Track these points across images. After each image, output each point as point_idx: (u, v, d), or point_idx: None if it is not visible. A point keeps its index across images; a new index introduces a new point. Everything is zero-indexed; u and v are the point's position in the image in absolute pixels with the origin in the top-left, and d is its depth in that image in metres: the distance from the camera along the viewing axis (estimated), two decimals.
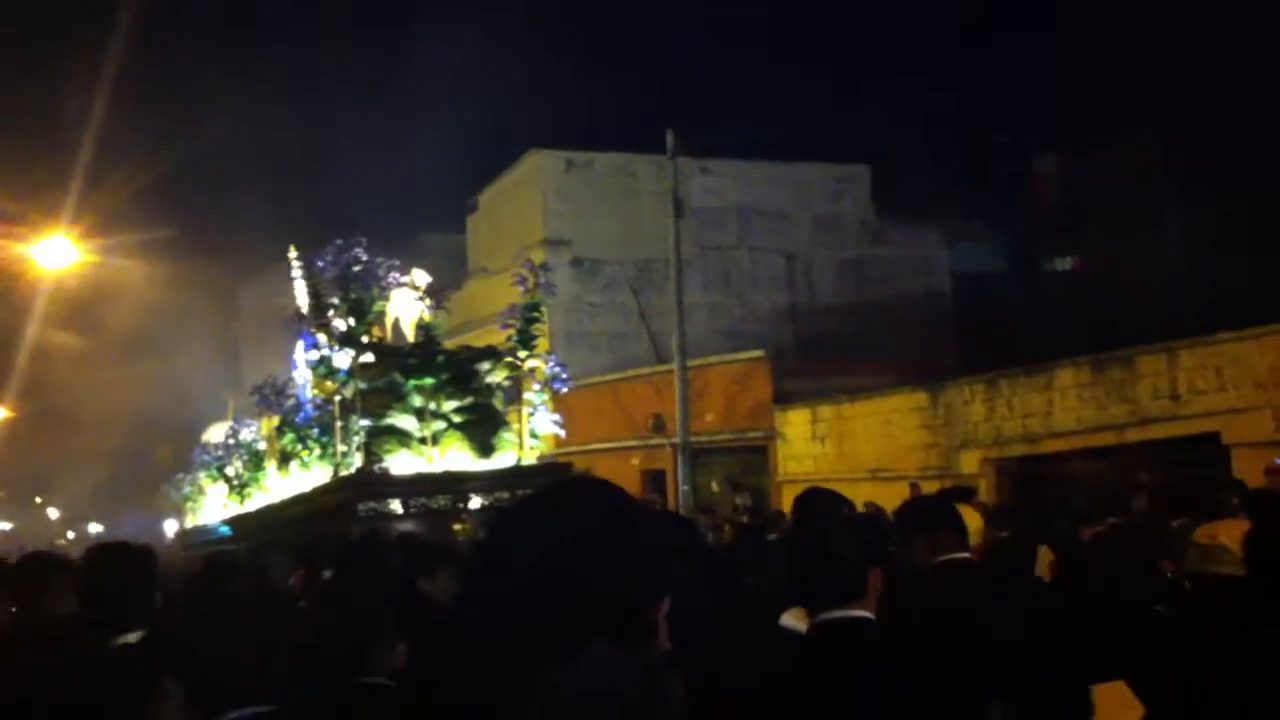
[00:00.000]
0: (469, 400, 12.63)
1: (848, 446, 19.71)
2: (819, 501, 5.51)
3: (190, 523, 21.23)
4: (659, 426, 22.89)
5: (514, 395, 12.79)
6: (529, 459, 12.64)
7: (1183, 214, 27.21)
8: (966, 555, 4.88)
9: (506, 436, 12.61)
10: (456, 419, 12.48)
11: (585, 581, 1.74)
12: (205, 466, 19.36)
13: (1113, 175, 29.35)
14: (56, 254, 16.17)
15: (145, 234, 20.94)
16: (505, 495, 11.76)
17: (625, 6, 53.68)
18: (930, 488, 15.99)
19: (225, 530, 16.07)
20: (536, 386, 12.85)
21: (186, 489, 21.11)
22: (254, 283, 39.37)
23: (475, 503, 11.94)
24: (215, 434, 19.36)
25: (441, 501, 11.84)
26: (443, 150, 40.18)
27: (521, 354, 12.82)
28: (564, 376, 13.21)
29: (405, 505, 11.70)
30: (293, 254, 13.46)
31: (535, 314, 12.99)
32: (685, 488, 20.40)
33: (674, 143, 21.39)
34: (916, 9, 51.60)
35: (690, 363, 21.23)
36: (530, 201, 28.40)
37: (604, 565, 1.76)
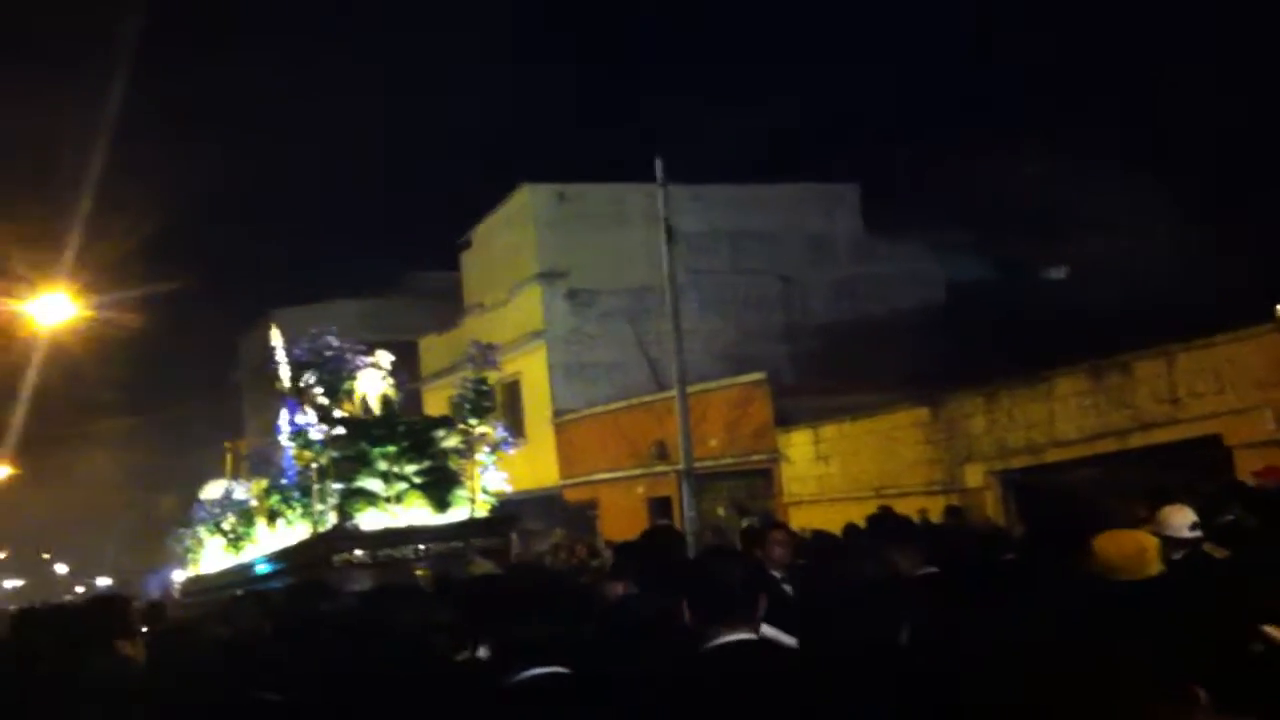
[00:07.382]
0: (426, 464, 14.68)
1: (851, 465, 19.68)
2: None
3: (191, 572, 21.49)
4: (662, 454, 22.89)
5: (466, 457, 14.87)
6: (480, 512, 14.63)
7: (1171, 213, 27.11)
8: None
9: (460, 493, 14.68)
10: (416, 480, 14.55)
11: None
12: (203, 522, 20.21)
13: (1098, 177, 29.28)
14: (54, 310, 16.16)
15: (144, 287, 21.03)
16: (459, 544, 13.89)
17: (605, 43, 54.04)
18: (935, 503, 16.04)
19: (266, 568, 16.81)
20: (487, 449, 14.86)
21: (187, 541, 21.48)
22: (252, 330, 39.41)
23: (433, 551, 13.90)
24: (211, 491, 20.29)
25: (404, 551, 13.81)
26: (431, 189, 40.42)
27: (472, 421, 14.82)
28: (510, 440, 15.51)
29: (373, 556, 13.63)
30: (275, 334, 15.53)
31: (484, 387, 15.18)
32: (691, 514, 20.36)
33: (663, 170, 21.42)
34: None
35: (690, 389, 21.21)
36: (523, 235, 28.49)
37: None
